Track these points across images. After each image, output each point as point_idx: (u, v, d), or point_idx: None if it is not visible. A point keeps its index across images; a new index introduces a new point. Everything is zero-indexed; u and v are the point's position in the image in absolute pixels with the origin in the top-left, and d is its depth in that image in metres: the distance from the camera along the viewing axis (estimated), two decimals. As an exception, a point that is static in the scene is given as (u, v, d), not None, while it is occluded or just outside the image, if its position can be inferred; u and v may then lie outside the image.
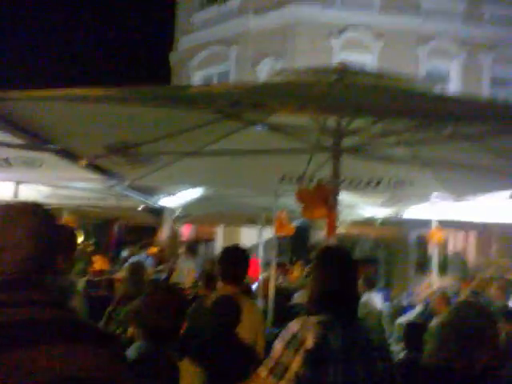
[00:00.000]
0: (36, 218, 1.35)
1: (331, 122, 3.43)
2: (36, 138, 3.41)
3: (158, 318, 2.16)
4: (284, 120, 3.66)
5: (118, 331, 4.31)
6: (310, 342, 1.93)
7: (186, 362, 2.08)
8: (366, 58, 12.82)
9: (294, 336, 1.97)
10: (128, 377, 1.37)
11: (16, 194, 5.93)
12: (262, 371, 1.99)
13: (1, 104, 2.69)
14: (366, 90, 2.72)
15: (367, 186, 4.82)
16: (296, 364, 1.93)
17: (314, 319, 2.01)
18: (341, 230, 9.06)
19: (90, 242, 11.44)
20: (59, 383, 1.19)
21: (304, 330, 1.97)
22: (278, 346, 2.00)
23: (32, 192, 6.89)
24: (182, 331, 2.24)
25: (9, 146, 3.58)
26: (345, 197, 6.45)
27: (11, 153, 4.13)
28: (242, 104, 2.32)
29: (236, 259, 3.13)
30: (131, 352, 2.08)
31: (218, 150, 3.98)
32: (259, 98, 2.31)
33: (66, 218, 8.01)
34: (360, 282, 5.86)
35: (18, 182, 5.91)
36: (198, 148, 4.02)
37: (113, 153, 3.62)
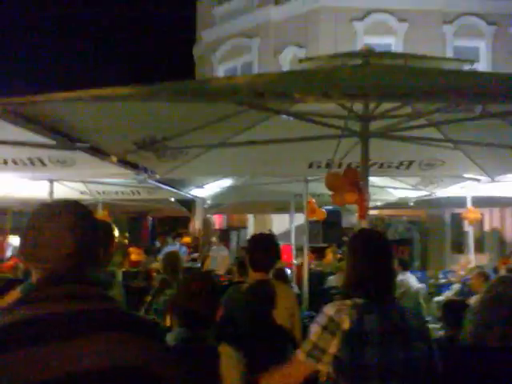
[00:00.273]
0: (75, 214, 1.40)
1: (358, 106, 3.39)
2: (67, 138, 3.50)
3: (193, 304, 2.19)
4: (310, 107, 3.63)
5: (156, 320, 4.43)
6: (346, 325, 1.94)
7: (224, 348, 2.11)
8: (391, 41, 12.51)
9: (331, 320, 1.97)
10: (174, 365, 1.40)
11: (51, 192, 6.12)
12: (300, 354, 2.01)
13: (32, 107, 2.78)
14: (392, 72, 2.67)
15: (398, 168, 4.74)
16: (333, 347, 1.95)
17: (349, 303, 2.02)
18: (373, 212, 9.00)
19: (125, 235, 11.70)
20: (107, 372, 1.23)
21: (340, 313, 1.97)
22: (314, 329, 2.01)
23: (66, 189, 7.10)
24: (218, 317, 2.28)
25: (42, 146, 3.68)
26: (376, 180, 6.40)
27: (45, 153, 4.25)
28: (266, 95, 2.31)
29: (263, 247, 3.13)
30: (169, 339, 2.12)
31: (245, 140, 3.99)
32: (283, 88, 2.29)
33: (100, 213, 8.21)
34: (394, 264, 5.79)
35: (53, 181, 6.09)
36: (224, 139, 4.04)
37: (142, 148, 3.68)
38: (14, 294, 2.66)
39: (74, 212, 1.41)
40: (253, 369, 2.12)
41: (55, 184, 6.26)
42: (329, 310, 2.02)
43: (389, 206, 9.19)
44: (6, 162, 4.41)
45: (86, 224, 1.41)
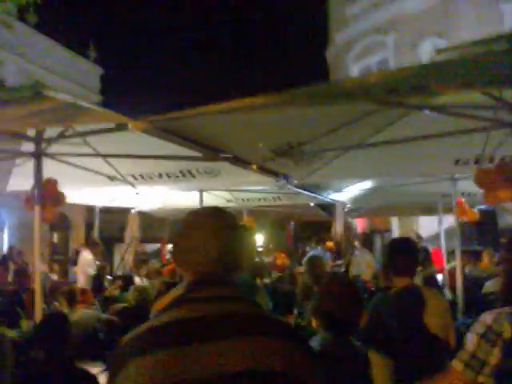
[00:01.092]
0: (219, 221, 1.47)
1: (508, 94, 3.07)
2: (211, 150, 3.75)
3: (334, 308, 2.18)
4: (453, 99, 3.39)
5: (302, 323, 4.51)
6: (507, 334, 1.79)
7: (372, 354, 2.07)
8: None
9: (489, 328, 1.84)
10: (318, 371, 1.39)
11: (201, 201, 6.60)
12: (458, 365, 1.89)
13: (176, 122, 3.03)
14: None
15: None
16: (494, 357, 1.81)
17: (508, 310, 1.85)
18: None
19: (271, 240, 12.12)
20: (250, 376, 1.26)
21: (499, 321, 1.83)
22: (471, 338, 1.89)
23: (214, 198, 7.60)
24: (362, 322, 2.24)
25: (190, 159, 3.99)
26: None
27: (194, 165, 4.62)
28: (400, 90, 2.22)
29: (403, 251, 3.01)
30: (314, 344, 2.13)
31: (383, 139, 3.88)
32: (418, 82, 2.18)
33: (246, 219, 8.60)
34: None
35: (202, 190, 6.57)
36: (361, 140, 3.97)
37: (279, 155, 3.79)
38: (172, 295, 2.92)
39: (219, 218, 1.48)
40: (405, 377, 2.05)
41: (204, 193, 6.74)
42: (486, 318, 1.88)
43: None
44: (161, 176, 4.90)
45: (230, 230, 1.47)
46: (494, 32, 2.55)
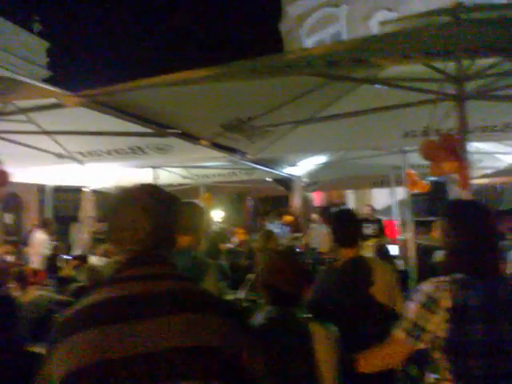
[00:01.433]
0: (150, 197, 1.43)
1: (452, 67, 3.13)
2: (157, 125, 3.66)
3: (276, 282, 2.20)
4: (400, 72, 3.43)
5: (253, 297, 4.57)
6: (447, 303, 1.85)
7: (316, 327, 2.10)
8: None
9: (429, 297, 1.89)
10: (253, 346, 1.39)
11: (155, 179, 6.49)
12: (399, 333, 1.95)
13: (119, 96, 2.92)
14: (484, 25, 2.42)
15: (503, 131, 4.32)
16: (433, 325, 1.87)
17: (449, 278, 1.91)
18: (482, 181, 8.35)
19: (228, 216, 12.14)
20: (186, 351, 1.25)
21: (439, 290, 1.88)
22: (412, 307, 1.94)
23: (169, 175, 7.49)
24: (307, 295, 2.27)
25: (133, 134, 3.88)
26: (483, 146, 5.91)
27: (143, 141, 4.51)
28: (340, 63, 2.22)
29: (345, 222, 3.06)
30: (260, 317, 2.16)
31: (333, 113, 3.89)
32: (358, 54, 2.19)
33: (203, 196, 8.55)
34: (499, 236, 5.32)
35: (155, 167, 6.45)
36: (311, 114, 3.97)
37: (228, 130, 3.74)
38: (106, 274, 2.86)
39: (150, 195, 1.44)
40: (353, 347, 2.09)
41: (159, 170, 6.61)
42: (426, 286, 1.93)
43: (500, 173, 8.44)
44: (110, 153, 4.77)
45: (162, 206, 1.43)
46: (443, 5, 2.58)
